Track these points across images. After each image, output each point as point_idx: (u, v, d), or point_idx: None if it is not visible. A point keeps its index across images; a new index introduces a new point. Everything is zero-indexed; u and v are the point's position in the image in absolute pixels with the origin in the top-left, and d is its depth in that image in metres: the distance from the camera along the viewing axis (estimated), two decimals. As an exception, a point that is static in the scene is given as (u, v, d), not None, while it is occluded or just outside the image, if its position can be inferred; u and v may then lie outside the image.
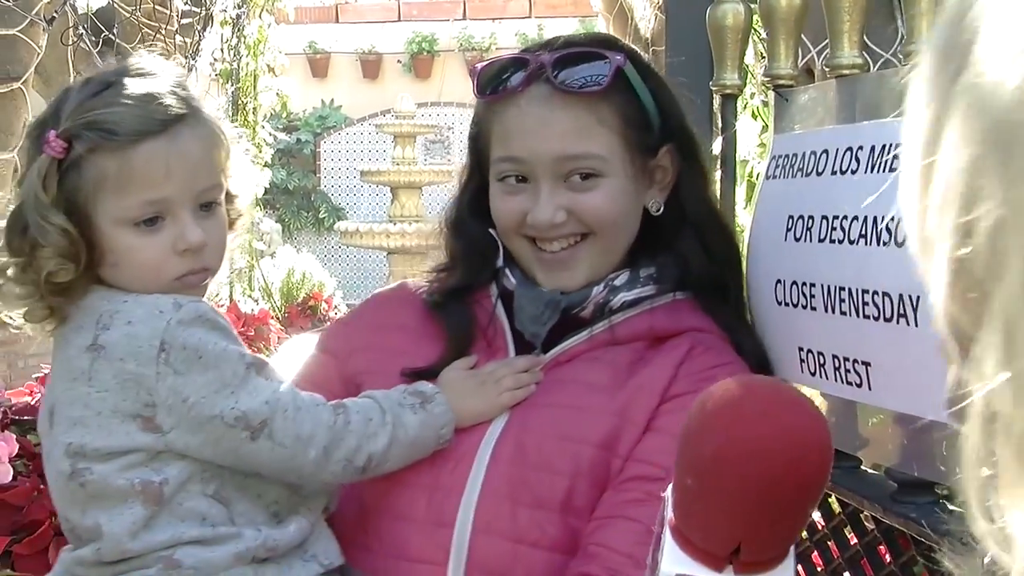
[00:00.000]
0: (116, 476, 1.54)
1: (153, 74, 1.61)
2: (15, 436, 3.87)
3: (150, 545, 1.54)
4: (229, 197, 1.68)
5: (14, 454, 3.77)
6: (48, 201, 1.53)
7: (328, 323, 9.82)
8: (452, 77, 17.61)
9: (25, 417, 4.24)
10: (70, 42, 4.24)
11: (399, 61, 17.81)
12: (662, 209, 1.80)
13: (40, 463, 3.76)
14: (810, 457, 1.12)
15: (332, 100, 17.41)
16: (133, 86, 1.57)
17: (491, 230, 1.82)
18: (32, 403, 4.38)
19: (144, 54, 1.67)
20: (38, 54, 3.37)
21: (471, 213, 1.85)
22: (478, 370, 1.75)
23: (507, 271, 1.80)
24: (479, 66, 1.79)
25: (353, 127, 17.43)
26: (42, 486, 3.57)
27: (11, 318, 1.63)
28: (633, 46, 1.82)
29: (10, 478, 3.69)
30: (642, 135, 1.76)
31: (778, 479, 1.10)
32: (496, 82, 1.76)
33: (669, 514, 1.19)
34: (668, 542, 1.18)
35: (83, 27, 4.86)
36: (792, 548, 1.18)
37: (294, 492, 1.64)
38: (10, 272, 1.57)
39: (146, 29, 5.46)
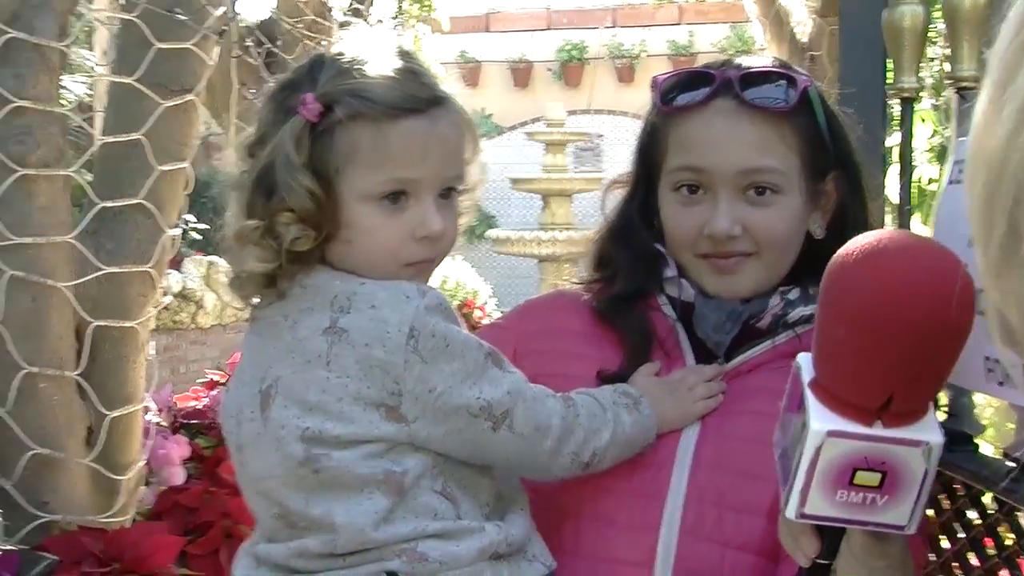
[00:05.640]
0: (358, 464, 1.49)
1: (408, 54, 1.58)
2: (187, 439, 3.97)
3: (393, 537, 1.49)
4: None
5: (186, 457, 3.88)
6: (299, 163, 1.49)
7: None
8: (602, 84, 17.62)
9: (193, 421, 4.36)
10: (235, 55, 4.34)
11: (549, 69, 17.88)
12: (824, 234, 1.80)
13: (211, 466, 3.87)
14: (961, 297, 1.13)
15: (483, 108, 17.55)
16: (395, 62, 1.54)
17: (657, 244, 1.82)
18: (199, 407, 4.49)
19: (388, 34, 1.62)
20: (209, 67, 3.45)
21: (638, 223, 1.85)
22: (667, 378, 1.74)
23: (682, 281, 1.79)
24: (660, 77, 1.80)
25: (504, 135, 17.54)
26: (212, 488, 3.67)
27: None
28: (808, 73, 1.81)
29: (183, 480, 3.79)
30: (817, 157, 1.76)
31: (930, 321, 1.12)
32: (679, 93, 1.77)
33: (807, 376, 1.21)
34: (812, 402, 1.19)
35: (249, 40, 4.98)
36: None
37: (500, 495, 1.62)
38: (251, 236, 1.52)
39: (307, 41, 5.56)
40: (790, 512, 1.22)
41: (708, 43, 16.99)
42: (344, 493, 1.50)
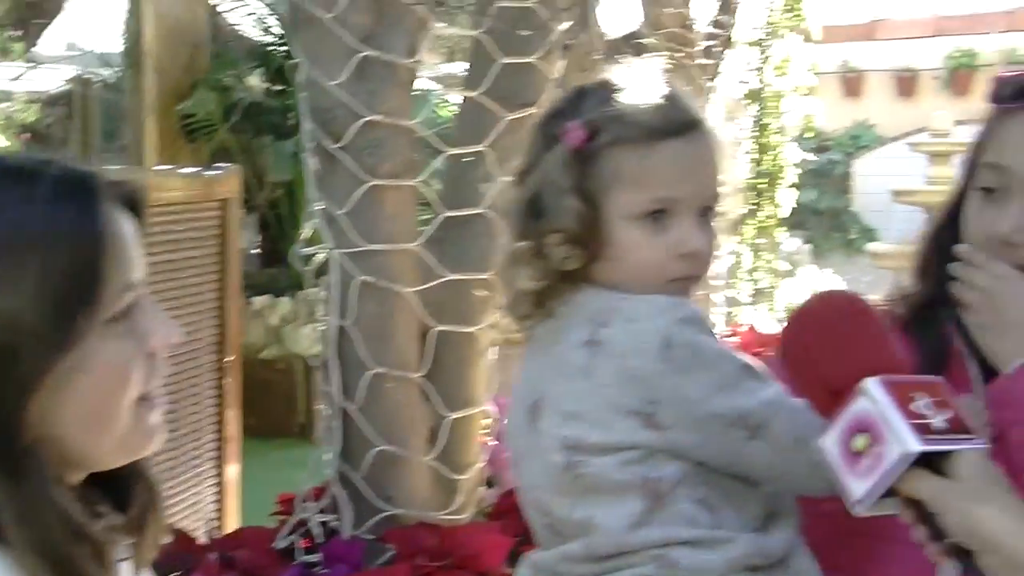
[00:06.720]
0: (615, 470, 1.53)
1: (664, 81, 1.63)
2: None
3: (647, 541, 1.53)
4: None
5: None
6: (567, 187, 1.56)
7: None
8: (994, 92, 16.82)
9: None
10: (586, 68, 4.42)
11: (936, 77, 17.21)
12: None
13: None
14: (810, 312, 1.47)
15: (865, 119, 17.09)
16: (652, 88, 1.60)
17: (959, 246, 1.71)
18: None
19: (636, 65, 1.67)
20: (551, 81, 3.53)
21: (946, 224, 1.76)
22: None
23: None
24: (1003, 73, 1.72)
25: (886, 146, 17.01)
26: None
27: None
28: None
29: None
30: None
31: (790, 336, 1.48)
32: (1011, 91, 1.67)
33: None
34: None
35: (611, 53, 5.06)
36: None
37: (770, 508, 1.60)
38: (523, 257, 1.61)
39: (668, 52, 5.59)
40: (859, 509, 1.35)
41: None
42: (604, 497, 1.54)
